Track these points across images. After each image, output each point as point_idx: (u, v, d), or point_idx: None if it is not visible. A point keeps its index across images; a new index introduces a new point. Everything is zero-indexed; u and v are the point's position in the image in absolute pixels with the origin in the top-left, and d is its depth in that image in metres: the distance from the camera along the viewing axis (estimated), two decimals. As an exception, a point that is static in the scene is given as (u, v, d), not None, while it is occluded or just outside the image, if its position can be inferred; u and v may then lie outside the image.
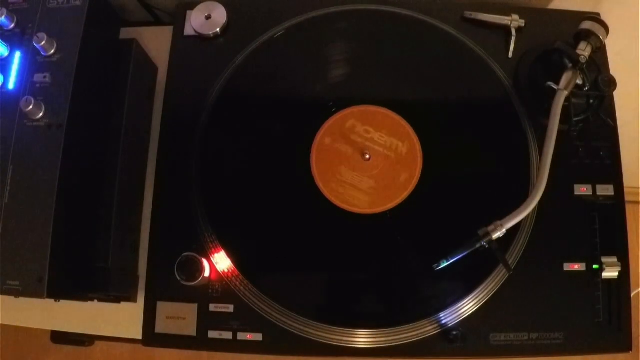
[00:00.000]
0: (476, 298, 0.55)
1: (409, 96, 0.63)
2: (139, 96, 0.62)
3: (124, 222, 0.58)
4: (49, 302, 0.51)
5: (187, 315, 0.55)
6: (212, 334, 0.55)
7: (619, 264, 0.55)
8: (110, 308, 0.58)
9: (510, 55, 0.63)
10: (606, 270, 0.55)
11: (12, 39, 0.54)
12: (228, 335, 0.54)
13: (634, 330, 0.55)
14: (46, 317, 0.59)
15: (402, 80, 0.63)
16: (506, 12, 0.63)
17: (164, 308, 0.55)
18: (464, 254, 0.50)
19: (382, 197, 0.57)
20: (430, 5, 0.65)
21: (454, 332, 0.53)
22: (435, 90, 0.63)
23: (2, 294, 0.48)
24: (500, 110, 0.62)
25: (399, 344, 0.54)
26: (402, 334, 0.54)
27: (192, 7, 0.64)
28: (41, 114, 0.51)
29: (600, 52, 0.59)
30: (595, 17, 0.57)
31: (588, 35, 0.57)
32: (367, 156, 0.58)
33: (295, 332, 0.54)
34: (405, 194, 0.57)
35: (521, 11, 0.63)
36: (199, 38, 0.64)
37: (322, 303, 0.56)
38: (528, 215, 0.52)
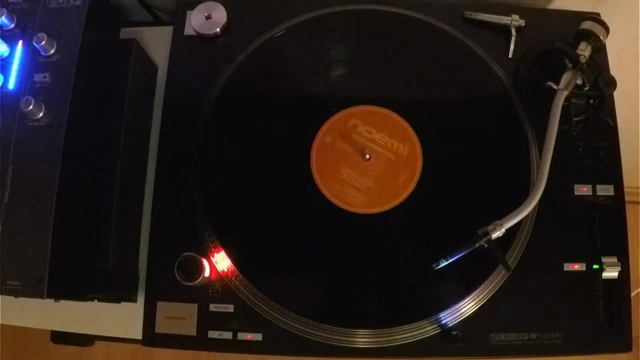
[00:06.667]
0: (476, 298, 0.55)
1: (409, 96, 0.63)
2: (139, 96, 0.62)
3: (123, 222, 0.58)
4: (49, 302, 0.51)
5: (187, 315, 0.55)
6: (212, 334, 0.55)
7: (619, 264, 0.55)
8: (110, 308, 0.58)
9: (510, 55, 0.63)
10: (606, 270, 0.55)
11: (12, 39, 0.54)
12: (228, 335, 0.54)
13: (634, 330, 0.55)
14: (46, 317, 0.59)
15: (402, 80, 0.63)
16: (506, 12, 0.63)
17: (164, 308, 0.55)
18: (464, 253, 0.50)
19: (382, 196, 0.57)
20: (430, 5, 0.65)
21: (454, 332, 0.53)
22: (435, 90, 0.63)
23: (2, 294, 0.48)
24: (500, 110, 0.62)
25: (399, 344, 0.54)
26: (402, 334, 0.54)
27: (192, 7, 0.64)
28: (41, 114, 0.51)
29: (600, 52, 0.59)
30: (595, 17, 0.57)
31: (588, 35, 0.57)
32: (367, 156, 0.58)
33: (295, 332, 0.54)
34: (405, 194, 0.57)
35: (521, 11, 0.63)
36: (199, 38, 0.64)
37: (322, 303, 0.56)
38: (528, 215, 0.52)
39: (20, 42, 0.54)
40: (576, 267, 0.56)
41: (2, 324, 0.59)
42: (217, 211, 0.58)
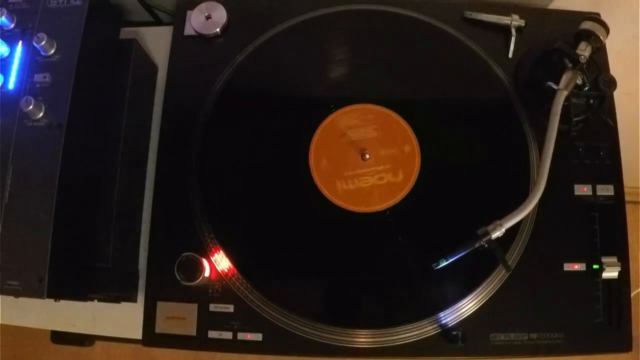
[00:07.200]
0: (476, 298, 0.55)
1: (408, 96, 0.63)
2: (139, 96, 0.62)
3: (124, 222, 0.58)
4: (49, 302, 0.50)
5: (187, 315, 0.55)
6: (212, 334, 0.55)
7: (619, 264, 0.55)
8: (110, 308, 0.58)
9: (510, 55, 0.63)
10: (606, 270, 0.55)
11: (12, 39, 0.54)
12: (228, 335, 0.54)
13: (634, 330, 0.55)
14: (46, 317, 0.59)
15: (401, 80, 0.63)
16: (506, 12, 0.63)
17: (164, 308, 0.55)
18: (463, 253, 0.50)
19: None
20: (430, 5, 0.65)
21: (454, 332, 0.53)
22: (435, 90, 0.63)
23: (2, 294, 0.48)
24: (500, 110, 0.62)
25: (399, 344, 0.54)
26: (402, 334, 0.54)
27: (192, 7, 0.64)
28: (41, 114, 0.50)
29: (600, 52, 0.59)
30: (595, 17, 0.57)
31: (588, 35, 0.57)
32: (367, 155, 0.58)
33: (295, 332, 0.54)
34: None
35: (521, 11, 0.63)
36: (199, 38, 0.64)
37: (322, 303, 0.56)
38: (528, 215, 0.52)
39: (20, 42, 0.54)
40: (576, 267, 0.56)
41: (2, 324, 0.59)
42: (217, 211, 0.58)
